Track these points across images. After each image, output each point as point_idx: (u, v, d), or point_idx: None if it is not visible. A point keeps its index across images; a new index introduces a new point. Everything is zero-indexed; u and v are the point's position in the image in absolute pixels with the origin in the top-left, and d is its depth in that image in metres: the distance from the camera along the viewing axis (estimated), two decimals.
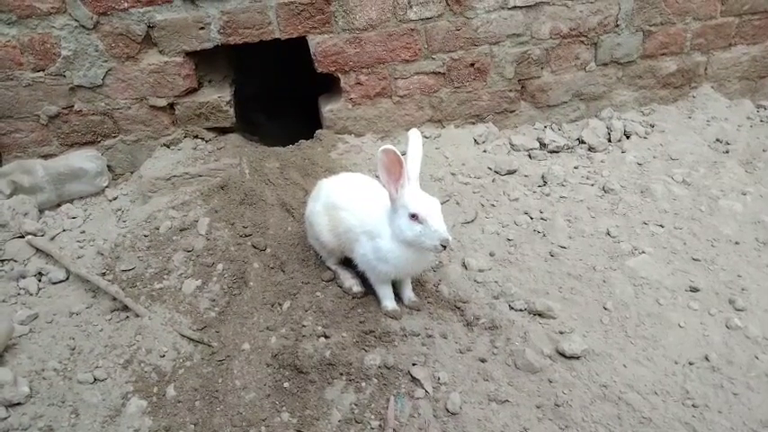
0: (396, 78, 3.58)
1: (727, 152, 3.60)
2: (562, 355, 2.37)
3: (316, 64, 3.47)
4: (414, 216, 2.24)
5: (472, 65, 3.62)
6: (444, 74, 3.62)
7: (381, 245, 2.39)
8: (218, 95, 3.48)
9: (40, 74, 3.25)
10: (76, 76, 3.28)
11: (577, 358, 2.35)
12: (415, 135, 2.42)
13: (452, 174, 3.45)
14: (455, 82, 3.66)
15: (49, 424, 2.21)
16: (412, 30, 3.44)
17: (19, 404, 2.25)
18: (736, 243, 2.92)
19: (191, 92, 3.45)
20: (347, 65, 3.49)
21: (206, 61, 3.47)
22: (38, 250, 3.00)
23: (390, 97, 3.65)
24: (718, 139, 3.69)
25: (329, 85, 3.78)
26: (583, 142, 3.71)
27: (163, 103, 3.43)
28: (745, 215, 3.08)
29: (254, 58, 3.85)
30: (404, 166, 2.24)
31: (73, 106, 3.37)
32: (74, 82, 3.29)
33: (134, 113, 3.44)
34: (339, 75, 3.53)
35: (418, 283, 2.70)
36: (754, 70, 4.05)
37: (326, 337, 2.46)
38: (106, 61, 3.27)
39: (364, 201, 2.53)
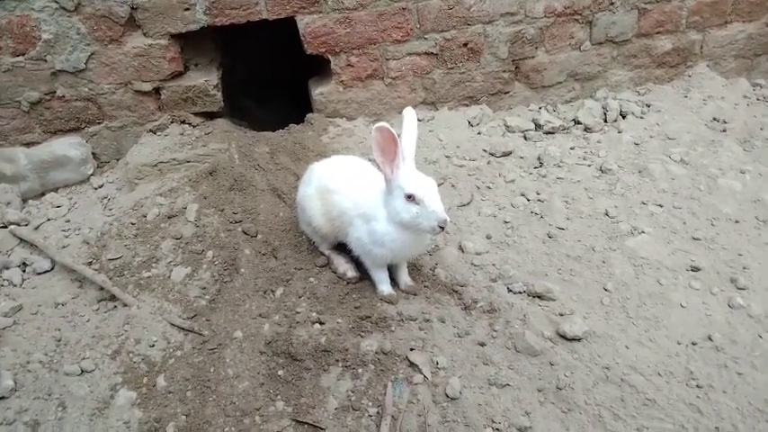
0: (387, 59, 3.50)
1: (724, 131, 3.55)
2: (563, 337, 2.32)
3: (305, 45, 3.38)
4: (410, 197, 2.18)
5: (465, 45, 3.54)
6: (437, 54, 3.54)
7: (377, 228, 2.32)
8: (205, 79, 3.39)
9: (20, 58, 3.13)
10: (58, 60, 3.16)
11: (578, 340, 2.30)
12: (409, 114, 2.36)
13: (447, 156, 3.39)
14: (448, 63, 3.58)
15: (35, 418, 2.14)
16: (403, 9, 3.35)
17: (3, 398, 2.18)
18: (736, 222, 2.88)
19: (176, 75, 3.35)
20: (337, 46, 3.40)
21: (192, 44, 3.37)
22: (21, 240, 2.91)
23: (382, 79, 3.57)
24: (715, 118, 3.64)
25: (319, 67, 3.69)
26: (578, 123, 3.65)
27: (148, 87, 3.33)
28: (745, 193, 3.04)
29: (241, 40, 3.76)
30: (399, 145, 2.17)
31: (55, 92, 3.26)
32: (55, 66, 3.18)
33: (119, 99, 3.34)
34: (329, 56, 3.44)
35: (414, 267, 2.64)
36: (750, 48, 4.00)
37: (321, 323, 2.39)
38: (89, 45, 3.16)
39: (358, 183, 2.47)
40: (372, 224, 2.35)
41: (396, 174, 2.21)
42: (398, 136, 2.20)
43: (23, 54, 3.13)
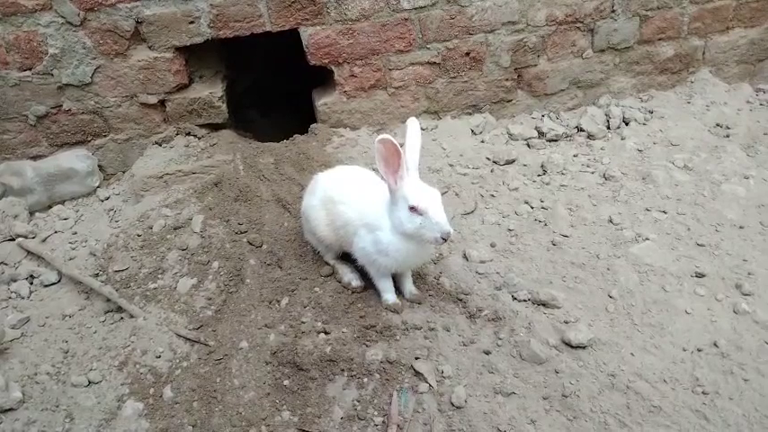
0: (390, 69, 3.52)
1: (727, 136, 3.55)
2: (568, 344, 2.32)
3: (308, 56, 3.41)
4: (414, 208, 2.18)
5: (468, 54, 3.56)
6: (440, 64, 3.56)
7: (381, 237, 2.33)
8: (210, 91, 3.42)
9: (27, 73, 3.18)
10: (64, 74, 3.20)
11: (584, 348, 2.30)
12: (413, 124, 2.36)
13: (450, 165, 3.40)
14: (451, 72, 3.61)
15: (42, 429, 2.15)
16: (406, 19, 3.38)
17: (11, 410, 2.19)
18: (741, 227, 2.88)
19: (182, 88, 3.38)
20: (340, 57, 3.43)
21: (196, 56, 3.41)
22: (29, 253, 2.94)
23: (385, 89, 3.59)
24: (718, 124, 3.64)
25: (322, 78, 3.72)
26: (581, 130, 3.66)
27: (153, 100, 3.36)
28: (749, 199, 3.03)
29: (244, 52, 3.79)
30: (402, 157, 2.18)
31: (62, 105, 3.30)
32: (62, 80, 3.22)
33: (124, 111, 3.38)
34: (332, 67, 3.47)
35: (419, 276, 2.65)
36: (753, 53, 4.00)
37: (326, 332, 2.40)
38: (94, 58, 3.20)
39: (363, 193, 2.48)
40: (377, 234, 2.35)
41: (400, 185, 2.21)
42: (402, 146, 2.21)
43: (30, 69, 3.17)
